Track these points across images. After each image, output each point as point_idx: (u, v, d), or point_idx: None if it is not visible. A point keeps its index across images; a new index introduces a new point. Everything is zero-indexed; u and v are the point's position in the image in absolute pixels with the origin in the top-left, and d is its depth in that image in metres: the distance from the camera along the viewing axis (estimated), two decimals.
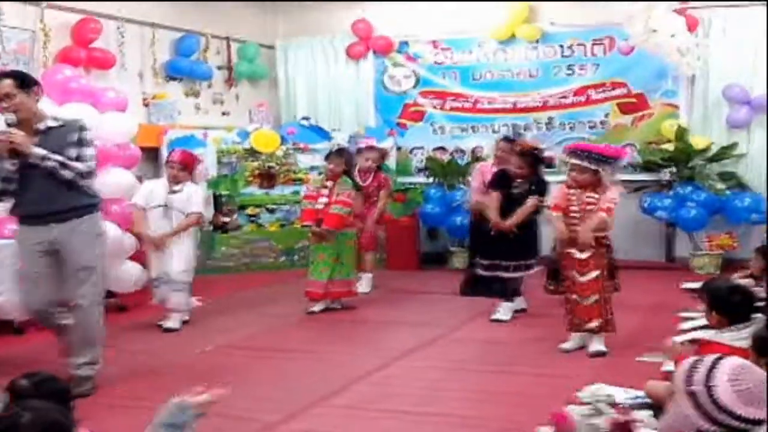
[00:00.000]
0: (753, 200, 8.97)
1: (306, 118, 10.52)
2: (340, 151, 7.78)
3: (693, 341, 5.03)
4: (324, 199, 7.34)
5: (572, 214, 5.73)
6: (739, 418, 2.50)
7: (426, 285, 8.76)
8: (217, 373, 5.45)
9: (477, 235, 7.71)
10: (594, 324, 5.68)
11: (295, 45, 10.99)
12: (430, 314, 7.28)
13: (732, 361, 2.59)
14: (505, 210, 6.78)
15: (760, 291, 5.71)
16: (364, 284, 8.28)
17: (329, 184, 7.40)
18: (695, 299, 6.27)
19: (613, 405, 4.14)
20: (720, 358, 2.62)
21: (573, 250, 5.71)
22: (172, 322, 6.78)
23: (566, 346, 5.78)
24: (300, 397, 4.88)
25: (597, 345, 5.71)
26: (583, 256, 5.69)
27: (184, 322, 6.87)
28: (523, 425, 4.26)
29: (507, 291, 6.98)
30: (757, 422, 2.53)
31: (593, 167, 5.65)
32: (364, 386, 5.13)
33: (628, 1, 8.89)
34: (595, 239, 5.64)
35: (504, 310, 6.91)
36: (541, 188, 6.77)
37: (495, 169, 7.47)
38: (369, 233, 8.32)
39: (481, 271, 7.07)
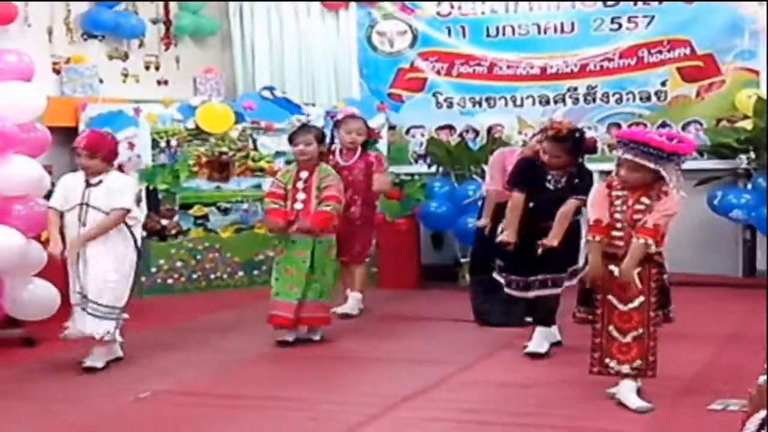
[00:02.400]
0: None
1: (269, 89, 10.49)
2: (308, 127, 7.77)
3: None
4: (302, 195, 7.33)
5: (616, 225, 5.66)
6: None
7: (429, 309, 8.79)
8: (156, 428, 5.45)
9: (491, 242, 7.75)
10: (632, 366, 5.63)
11: None
12: (435, 348, 7.29)
13: None
14: (535, 215, 6.74)
15: None
16: (349, 305, 8.40)
17: (304, 174, 7.40)
18: None
19: None
20: None
21: (612, 267, 5.67)
22: (93, 360, 6.75)
23: (615, 390, 5.75)
24: None
25: (629, 394, 5.64)
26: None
27: (117, 359, 6.86)
28: None
29: (541, 312, 6.98)
30: None
31: (651, 165, 5.57)
32: None
33: None
34: (646, 254, 5.61)
35: (539, 339, 6.90)
36: (585, 182, 6.64)
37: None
38: (360, 237, 8.40)
39: (511, 291, 7.01)
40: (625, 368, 5.62)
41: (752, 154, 9.32)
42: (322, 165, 7.49)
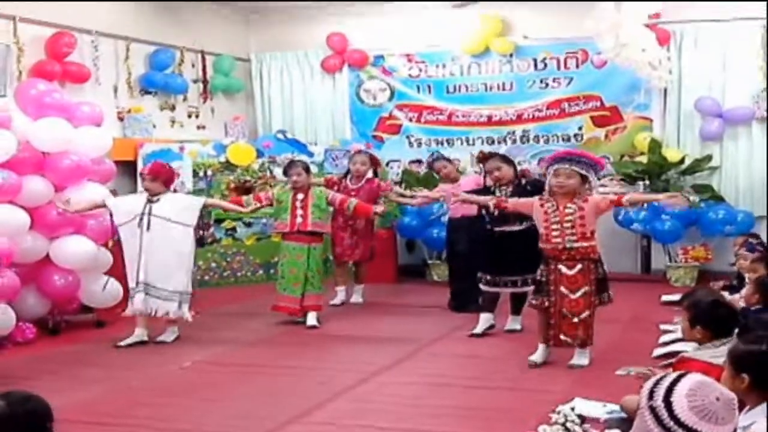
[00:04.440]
0: (727, 212, 9.02)
1: (282, 132, 10.47)
2: (296, 162, 7.66)
3: (672, 354, 5.04)
4: (301, 212, 7.31)
5: (553, 227, 5.63)
6: None
7: (404, 298, 8.74)
8: (196, 390, 5.40)
9: (456, 247, 7.72)
10: (579, 340, 5.63)
11: (270, 57, 10.95)
12: (409, 328, 7.23)
13: (692, 378, 2.63)
14: (497, 222, 6.58)
15: (737, 301, 5.74)
16: (357, 295, 8.41)
17: (300, 196, 7.36)
18: (674, 312, 6.28)
19: (583, 422, 4.14)
20: (683, 375, 2.65)
21: (561, 266, 5.63)
22: (166, 336, 6.79)
23: (535, 358, 5.73)
24: (278, 414, 4.82)
25: (581, 358, 5.67)
26: (572, 272, 5.62)
27: (176, 338, 6.83)
28: None
29: (516, 305, 6.85)
30: None
31: (582, 172, 5.58)
32: (342, 402, 5.08)
33: (600, 9, 8.92)
34: (584, 254, 5.60)
35: (513, 321, 6.88)
36: (535, 188, 6.30)
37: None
38: (365, 241, 8.32)
39: (485, 287, 6.80)
40: (576, 342, 5.64)
41: (647, 181, 9.32)
42: (315, 188, 7.45)
